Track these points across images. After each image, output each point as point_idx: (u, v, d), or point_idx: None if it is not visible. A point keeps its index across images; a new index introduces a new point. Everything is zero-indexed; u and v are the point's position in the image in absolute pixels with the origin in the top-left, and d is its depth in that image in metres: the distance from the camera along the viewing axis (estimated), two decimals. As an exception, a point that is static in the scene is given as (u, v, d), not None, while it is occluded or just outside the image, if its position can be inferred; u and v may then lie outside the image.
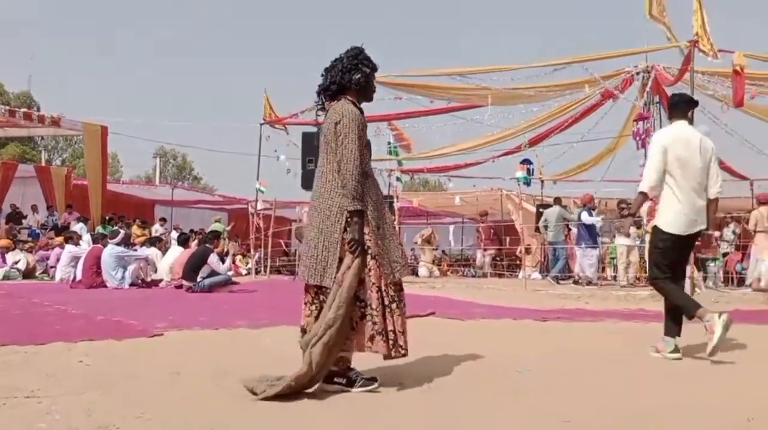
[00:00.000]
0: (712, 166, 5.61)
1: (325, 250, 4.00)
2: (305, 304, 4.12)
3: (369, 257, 4.00)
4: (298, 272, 4.37)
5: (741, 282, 15.55)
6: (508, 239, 21.60)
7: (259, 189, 18.36)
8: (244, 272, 18.44)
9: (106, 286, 12.88)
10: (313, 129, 17.00)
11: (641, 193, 5.61)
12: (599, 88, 16.43)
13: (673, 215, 5.47)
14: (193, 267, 12.02)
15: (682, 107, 5.80)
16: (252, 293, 12.07)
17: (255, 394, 3.73)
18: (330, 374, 4.01)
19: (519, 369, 4.64)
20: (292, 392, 3.73)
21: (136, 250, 14.78)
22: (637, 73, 17.13)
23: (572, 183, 21.98)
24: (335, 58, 4.27)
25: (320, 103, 4.35)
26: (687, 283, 11.67)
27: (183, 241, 14.75)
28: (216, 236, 13.40)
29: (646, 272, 14.20)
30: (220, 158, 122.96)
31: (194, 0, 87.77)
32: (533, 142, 19.52)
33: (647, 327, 7.40)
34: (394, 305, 4.05)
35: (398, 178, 17.64)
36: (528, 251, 19.49)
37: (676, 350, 5.30)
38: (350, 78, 4.18)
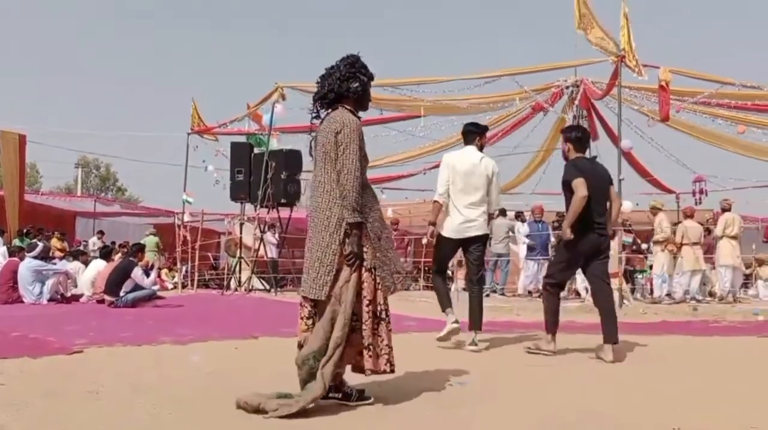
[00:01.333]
0: (492, 186, 6.76)
1: (319, 262, 3.91)
2: (301, 318, 4.03)
3: (364, 269, 3.94)
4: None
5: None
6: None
7: (186, 200, 17.94)
8: (170, 286, 17.95)
9: (23, 301, 12.30)
10: (242, 139, 16.78)
11: (435, 202, 6.77)
12: (530, 101, 16.64)
13: (449, 222, 6.65)
14: (115, 281, 11.60)
15: (471, 134, 6.88)
16: (178, 307, 11.69)
17: (264, 412, 3.63)
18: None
19: (453, 382, 4.53)
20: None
21: (55, 263, 14.17)
22: (567, 87, 17.44)
23: (504, 196, 22.20)
24: (331, 66, 4.17)
25: (315, 111, 4.24)
26: (616, 295, 11.89)
27: (105, 254, 14.24)
28: (140, 249, 12.95)
29: (575, 284, 14.48)
30: (145, 169, 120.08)
31: (120, 5, 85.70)
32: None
33: (575, 338, 7.43)
34: (388, 319, 4.02)
35: (330, 190, 17.45)
36: (460, 264, 19.53)
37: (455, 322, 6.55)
38: (348, 86, 4.10)
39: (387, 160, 19.69)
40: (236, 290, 15.69)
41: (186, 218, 18.26)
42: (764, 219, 20.86)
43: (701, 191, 18.94)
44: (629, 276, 15.05)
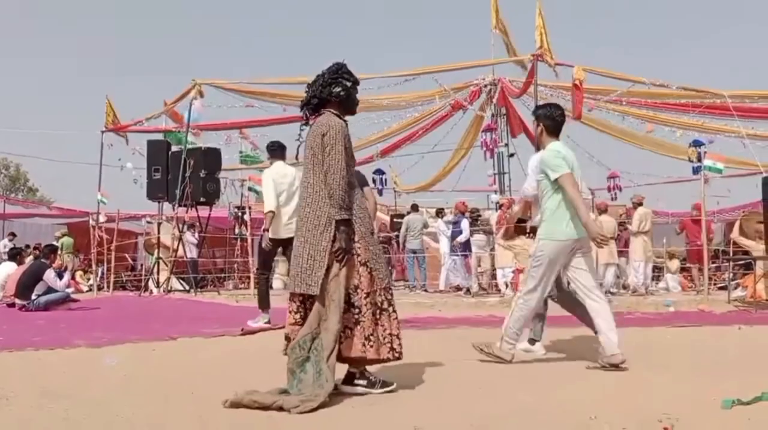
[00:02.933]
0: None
1: (311, 259, 4.05)
2: (290, 312, 4.19)
3: (359, 263, 4.09)
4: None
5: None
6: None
7: (100, 200, 17.42)
8: (85, 288, 17.41)
9: (-72, 307, 11.73)
10: (159, 136, 16.41)
11: (270, 212, 7.93)
12: (449, 99, 16.83)
13: (272, 227, 7.97)
14: (27, 284, 11.18)
15: (278, 151, 8.38)
16: (93, 310, 11.34)
17: (283, 410, 3.66)
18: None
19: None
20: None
21: (-38, 267, 13.56)
22: (485, 86, 17.71)
23: (424, 193, 22.40)
24: (318, 74, 4.34)
25: (304, 117, 4.40)
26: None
27: (13, 256, 13.72)
28: (53, 250, 12.49)
29: (496, 279, 14.72)
30: (58, 168, 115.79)
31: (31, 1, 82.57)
32: (385, 153, 19.72)
33: (495, 332, 7.54)
34: (391, 309, 4.17)
35: (250, 188, 17.22)
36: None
37: None
38: (330, 91, 4.25)
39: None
40: (152, 291, 15.34)
41: (101, 218, 17.74)
42: (674, 214, 21.61)
43: (615, 187, 19.50)
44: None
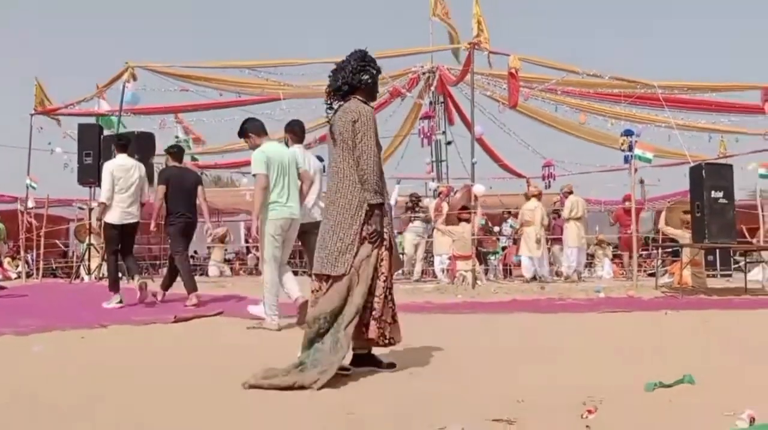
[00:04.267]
0: (142, 184, 9.18)
1: (341, 241, 4.17)
2: (313, 291, 4.30)
3: (384, 248, 4.25)
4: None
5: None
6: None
7: (29, 185, 16.90)
8: (13, 275, 16.92)
9: None
10: (91, 120, 15.99)
11: (102, 203, 9.01)
12: (388, 86, 16.83)
13: (111, 213, 8.90)
14: (-50, 271, 10.84)
15: (124, 146, 9.33)
16: (21, 297, 11.04)
17: (304, 388, 3.75)
18: None
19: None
20: None
21: None
22: (423, 73, 17.78)
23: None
24: (342, 61, 4.46)
25: (328, 103, 4.49)
26: (469, 275, 12.29)
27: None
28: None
29: (433, 266, 14.86)
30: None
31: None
32: (323, 139, 19.61)
33: (431, 318, 7.62)
34: (391, 297, 4.33)
35: (187, 175, 17.02)
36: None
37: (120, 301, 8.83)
38: (360, 79, 4.39)
39: (246, 144, 19.37)
40: (83, 278, 14.97)
41: (30, 203, 17.23)
42: (607, 202, 22.10)
43: (549, 176, 19.81)
44: (482, 257, 15.55)
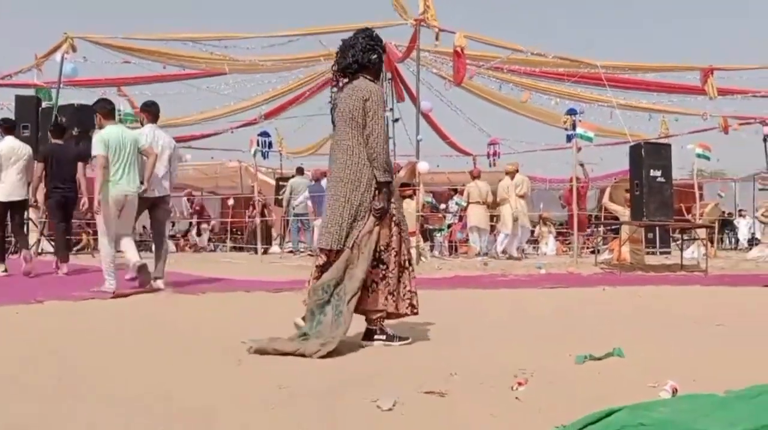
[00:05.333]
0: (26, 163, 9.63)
1: (351, 217, 4.26)
2: (317, 266, 4.40)
3: (393, 223, 4.38)
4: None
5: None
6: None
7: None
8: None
9: None
10: (30, 92, 15.54)
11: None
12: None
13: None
14: None
15: (9, 128, 9.98)
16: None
17: (305, 355, 3.91)
18: None
19: (245, 339, 4.52)
20: None
21: None
22: (371, 49, 17.66)
23: (313, 157, 22.26)
24: (350, 38, 4.54)
25: (335, 80, 4.58)
26: (414, 252, 12.36)
27: None
28: None
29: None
30: None
31: None
32: (269, 115, 19.47)
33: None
34: (411, 268, 4.47)
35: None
36: (270, 224, 19.47)
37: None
38: (369, 57, 4.45)
39: (191, 119, 19.09)
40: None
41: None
42: (552, 179, 22.42)
43: (495, 154, 19.97)
44: (428, 234, 15.65)
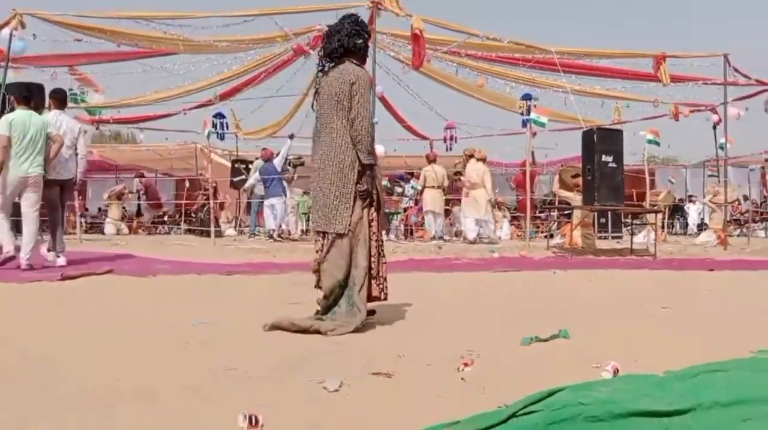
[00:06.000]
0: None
1: (337, 200, 4.34)
2: (317, 251, 4.48)
3: (373, 209, 4.46)
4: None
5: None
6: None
7: None
8: None
9: None
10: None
11: None
12: (291, 43, 16.57)
13: None
14: None
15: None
16: None
17: (319, 333, 4.10)
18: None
19: (194, 321, 4.49)
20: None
21: None
22: (329, 31, 17.53)
23: (271, 139, 22.04)
24: (336, 24, 4.61)
25: (321, 65, 4.61)
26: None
27: None
28: None
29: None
30: None
31: None
32: (224, 96, 19.23)
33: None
34: (383, 253, 4.59)
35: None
36: (222, 206, 19.30)
37: None
38: (354, 42, 4.52)
39: (145, 99, 18.76)
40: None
41: None
42: (508, 164, 22.59)
43: (451, 138, 20.06)
44: (386, 218, 15.66)
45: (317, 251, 4.49)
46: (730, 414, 2.39)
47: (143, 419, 2.49)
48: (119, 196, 20.41)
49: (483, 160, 14.83)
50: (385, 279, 4.59)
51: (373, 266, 4.46)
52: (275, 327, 4.17)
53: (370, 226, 4.43)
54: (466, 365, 3.24)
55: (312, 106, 4.70)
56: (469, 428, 2.23)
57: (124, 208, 20.99)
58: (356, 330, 4.17)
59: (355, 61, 4.53)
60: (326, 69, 4.56)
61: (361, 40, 4.57)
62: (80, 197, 17.50)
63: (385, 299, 4.64)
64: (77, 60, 16.75)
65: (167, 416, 2.53)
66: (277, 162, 15.13)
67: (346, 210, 4.33)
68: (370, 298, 4.54)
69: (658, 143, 15.38)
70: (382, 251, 4.60)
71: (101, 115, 20.13)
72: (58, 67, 16.62)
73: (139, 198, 21.45)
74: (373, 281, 4.49)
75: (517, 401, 2.39)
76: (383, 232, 13.27)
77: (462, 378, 3.08)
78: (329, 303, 4.38)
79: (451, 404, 2.68)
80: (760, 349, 3.55)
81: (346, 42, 4.49)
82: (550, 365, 3.34)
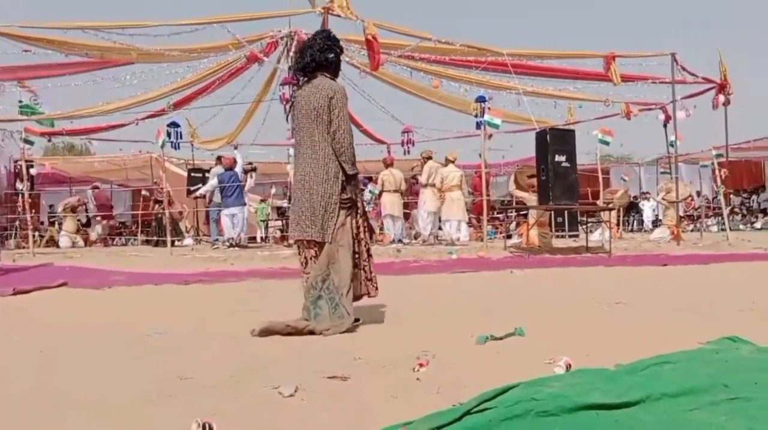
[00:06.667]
0: None
1: (322, 209, 4.48)
2: (306, 258, 4.62)
3: (358, 216, 4.64)
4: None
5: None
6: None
7: None
8: None
9: None
10: None
11: None
12: (244, 50, 16.48)
13: None
14: None
15: None
16: None
17: (314, 333, 4.22)
18: None
19: (149, 332, 4.44)
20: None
21: None
22: (282, 38, 17.52)
23: (228, 147, 21.85)
24: (308, 39, 4.85)
25: (296, 80, 4.83)
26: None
27: None
28: None
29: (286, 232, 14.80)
30: None
31: None
32: (178, 105, 19.05)
33: (286, 283, 7.63)
34: (370, 255, 4.78)
35: (27, 141, 16.07)
36: (180, 215, 19.11)
37: None
38: (326, 57, 4.68)
39: (96, 110, 18.48)
40: None
41: None
42: (466, 166, 22.75)
43: (409, 141, 20.13)
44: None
45: (306, 258, 4.63)
46: (678, 404, 2.44)
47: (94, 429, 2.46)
48: (73, 209, 20.08)
49: (452, 161, 15.00)
50: (370, 279, 4.76)
51: (366, 269, 4.71)
52: (266, 332, 4.21)
53: (358, 232, 4.61)
54: (421, 365, 3.26)
55: (286, 119, 4.96)
56: (423, 428, 2.24)
57: (79, 220, 20.65)
58: (348, 331, 4.30)
59: (328, 75, 4.68)
60: (300, 83, 4.72)
61: (332, 55, 4.71)
62: (33, 211, 17.16)
63: (375, 295, 4.83)
64: (27, 73, 16.44)
65: (118, 425, 2.50)
66: (239, 169, 15.06)
67: (330, 219, 4.47)
68: (359, 298, 4.72)
69: (607, 142, 15.63)
70: (371, 254, 4.79)
71: (53, 128, 19.78)
72: (7, 81, 16.29)
73: (87, 210, 21.10)
74: (368, 283, 4.71)
75: (471, 399, 2.41)
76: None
77: (417, 378, 3.09)
78: (307, 304, 4.44)
79: (407, 404, 2.69)
80: (708, 340, 3.62)
81: (318, 57, 4.65)
82: (504, 363, 3.37)
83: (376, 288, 4.80)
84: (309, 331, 4.23)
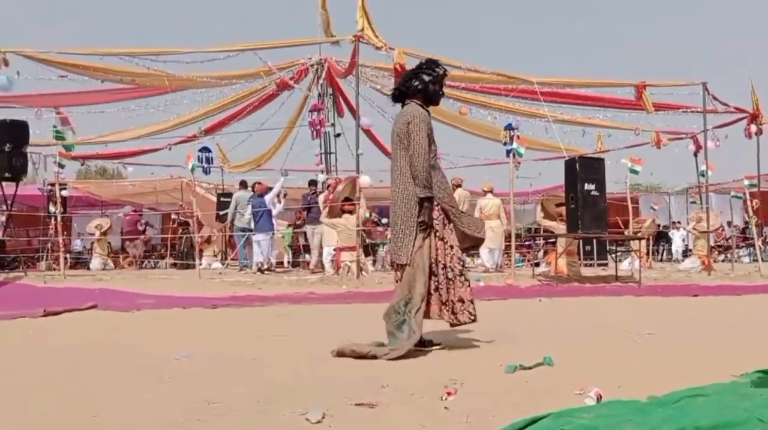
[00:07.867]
0: None
1: (401, 232, 4.64)
2: (396, 281, 4.76)
3: (437, 238, 4.68)
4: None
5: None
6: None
7: None
8: None
9: None
10: None
11: None
12: (275, 78, 16.66)
13: None
14: None
15: None
16: None
17: (375, 357, 4.30)
18: None
19: (177, 355, 4.47)
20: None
21: None
22: (312, 65, 17.70)
23: (255, 171, 22.03)
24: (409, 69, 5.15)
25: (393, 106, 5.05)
26: (353, 266, 12.38)
27: None
28: None
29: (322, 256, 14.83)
30: None
31: None
32: (209, 131, 19.27)
33: (313, 308, 7.64)
34: (463, 277, 4.72)
35: (60, 164, 16.34)
36: (209, 240, 19.22)
37: None
38: (410, 85, 4.81)
39: (129, 135, 18.77)
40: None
41: None
42: (495, 195, 22.67)
43: (436, 168, 20.09)
44: (370, 249, 15.64)
45: (396, 281, 4.76)
46: (712, 438, 2.41)
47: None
48: (105, 232, 20.31)
49: (490, 191, 15.11)
50: (463, 301, 4.69)
51: (442, 293, 4.67)
52: (340, 354, 4.38)
53: (437, 254, 4.65)
54: (449, 394, 3.24)
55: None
56: (452, 457, 2.23)
57: (109, 242, 20.87)
58: (408, 353, 4.35)
59: (417, 102, 4.79)
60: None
61: (417, 82, 4.79)
62: (64, 233, 17.38)
63: (470, 321, 4.76)
64: (63, 100, 16.76)
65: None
66: (268, 198, 15.11)
67: (409, 242, 4.60)
68: (429, 316, 4.73)
69: (636, 172, 15.49)
70: (457, 277, 4.69)
71: (82, 152, 20.10)
72: (44, 107, 16.58)
73: (122, 233, 21.36)
74: (443, 307, 4.70)
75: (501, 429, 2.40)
76: (370, 262, 13.22)
77: (445, 407, 3.07)
78: (391, 328, 4.53)
79: (435, 433, 2.68)
80: (741, 373, 3.56)
81: (403, 84, 4.88)
82: (533, 393, 3.34)
83: (454, 313, 4.70)
84: (372, 356, 4.32)
